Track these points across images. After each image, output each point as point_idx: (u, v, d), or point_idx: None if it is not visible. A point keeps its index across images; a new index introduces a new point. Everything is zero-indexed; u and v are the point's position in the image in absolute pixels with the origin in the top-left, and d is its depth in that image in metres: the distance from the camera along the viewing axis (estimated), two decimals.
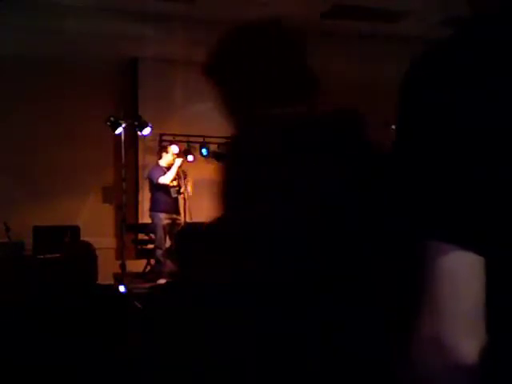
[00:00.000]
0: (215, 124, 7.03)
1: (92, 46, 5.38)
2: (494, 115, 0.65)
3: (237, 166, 1.41)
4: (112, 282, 5.00)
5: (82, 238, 4.64)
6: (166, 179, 5.37)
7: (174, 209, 5.51)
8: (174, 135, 6.04)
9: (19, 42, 5.26)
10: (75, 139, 5.81)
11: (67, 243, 4.33)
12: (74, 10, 4.75)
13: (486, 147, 0.65)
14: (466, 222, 0.64)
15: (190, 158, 6.07)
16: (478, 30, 0.72)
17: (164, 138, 6.16)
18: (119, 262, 5.18)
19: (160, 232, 5.36)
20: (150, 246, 5.71)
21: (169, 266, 5.03)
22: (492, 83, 0.66)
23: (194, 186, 5.57)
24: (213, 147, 6.11)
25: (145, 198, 5.98)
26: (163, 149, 5.74)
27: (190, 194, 5.59)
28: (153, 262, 5.60)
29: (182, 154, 5.96)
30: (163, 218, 5.38)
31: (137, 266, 5.68)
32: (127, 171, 5.66)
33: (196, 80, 6.65)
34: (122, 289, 4.53)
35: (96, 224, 5.66)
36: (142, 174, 6.12)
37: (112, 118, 5.37)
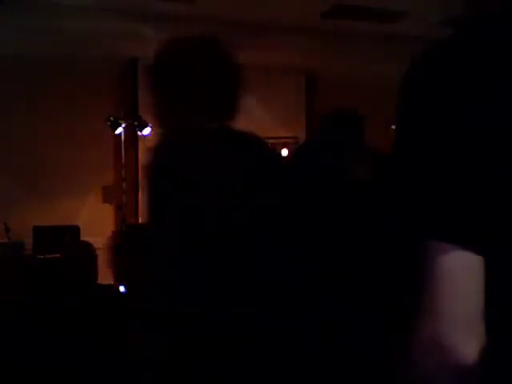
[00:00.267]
0: None
1: (92, 46, 5.38)
2: (493, 115, 0.65)
3: (156, 175, 1.48)
4: (112, 282, 4.99)
5: (82, 238, 4.64)
6: None
7: None
8: None
9: (19, 41, 5.26)
10: (75, 139, 5.80)
11: (67, 243, 4.33)
12: (74, 10, 4.75)
13: (486, 147, 0.65)
14: (466, 222, 0.65)
15: None
16: (477, 29, 0.72)
17: None
18: None
19: None
20: None
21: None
22: (492, 83, 0.66)
23: None
24: None
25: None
26: None
27: None
28: None
29: None
30: None
31: None
32: (127, 171, 5.66)
33: None
34: (122, 289, 4.53)
35: (96, 224, 5.66)
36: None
37: (112, 118, 5.37)
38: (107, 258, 1.75)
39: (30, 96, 5.71)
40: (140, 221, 6.20)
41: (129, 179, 5.78)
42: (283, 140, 6.22)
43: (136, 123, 5.48)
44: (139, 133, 5.61)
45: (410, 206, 0.68)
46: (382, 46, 5.49)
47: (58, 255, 3.74)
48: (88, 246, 2.71)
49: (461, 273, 0.64)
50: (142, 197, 5.75)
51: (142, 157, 6.42)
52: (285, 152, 6.04)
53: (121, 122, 5.36)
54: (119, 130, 5.38)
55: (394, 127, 0.74)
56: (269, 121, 6.03)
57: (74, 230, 5.11)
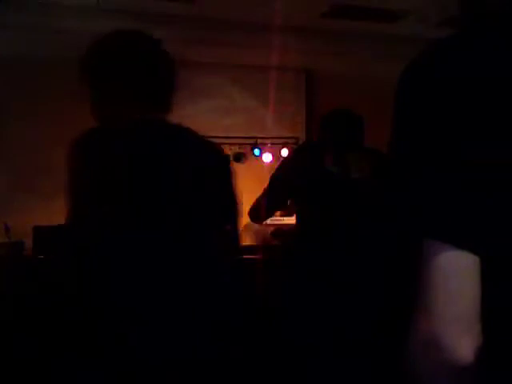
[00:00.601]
0: (215, 124, 7.03)
1: None
2: (492, 115, 0.65)
3: (84, 164, 1.55)
4: None
5: None
6: None
7: None
8: None
9: (19, 41, 5.26)
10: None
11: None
12: (74, 10, 4.75)
13: (485, 147, 0.65)
14: (462, 222, 0.65)
15: None
16: (477, 29, 0.72)
17: None
18: None
19: None
20: None
21: None
22: (491, 83, 0.66)
23: None
24: None
25: None
26: None
27: None
28: None
29: None
30: None
31: None
32: None
33: (196, 80, 6.63)
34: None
35: None
36: None
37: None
38: None
39: (30, 96, 5.71)
40: None
41: None
42: (283, 140, 6.22)
43: None
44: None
45: (407, 205, 0.68)
46: (382, 46, 5.49)
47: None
48: None
49: (457, 273, 0.64)
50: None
51: None
52: (285, 152, 6.04)
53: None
54: None
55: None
56: (269, 121, 6.03)
57: None
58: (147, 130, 1.56)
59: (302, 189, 2.83)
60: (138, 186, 1.46)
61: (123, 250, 1.41)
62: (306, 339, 2.47)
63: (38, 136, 5.78)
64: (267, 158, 6.11)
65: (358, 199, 2.61)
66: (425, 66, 0.70)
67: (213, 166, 1.56)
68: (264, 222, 3.28)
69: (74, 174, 1.54)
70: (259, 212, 2.92)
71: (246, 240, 6.03)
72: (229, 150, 6.19)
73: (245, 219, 3.69)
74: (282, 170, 2.95)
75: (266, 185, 2.94)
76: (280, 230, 5.38)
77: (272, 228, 5.43)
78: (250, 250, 4.94)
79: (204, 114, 6.06)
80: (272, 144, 6.24)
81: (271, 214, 3.07)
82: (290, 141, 6.18)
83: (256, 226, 3.66)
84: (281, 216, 5.48)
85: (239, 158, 6.18)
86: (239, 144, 6.16)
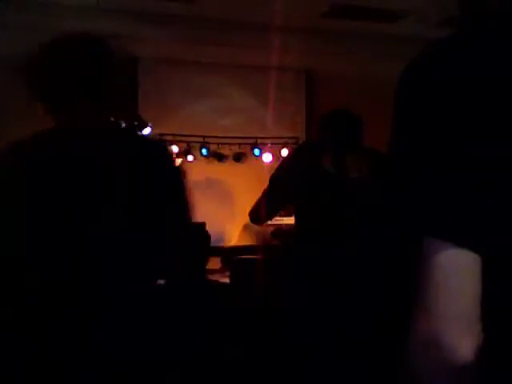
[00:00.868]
0: (215, 124, 7.01)
1: None
2: (492, 115, 0.65)
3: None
4: None
5: None
6: None
7: None
8: (174, 135, 6.03)
9: (19, 41, 5.26)
10: None
11: None
12: (74, 10, 4.75)
13: (485, 147, 0.65)
14: (462, 220, 0.65)
15: (190, 157, 6.07)
16: (477, 29, 0.72)
17: (164, 137, 6.17)
18: None
19: None
20: None
21: None
22: (491, 83, 0.66)
23: (194, 186, 5.57)
24: (213, 147, 6.11)
25: None
26: None
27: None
28: None
29: (182, 153, 5.97)
30: None
31: None
32: None
33: (196, 80, 6.62)
34: None
35: None
36: None
37: (112, 118, 5.36)
38: None
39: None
40: None
41: None
42: (283, 140, 6.22)
43: (136, 123, 5.48)
44: (139, 133, 5.61)
45: (407, 204, 0.68)
46: (382, 46, 5.50)
47: None
48: None
49: (457, 271, 0.64)
50: None
51: None
52: (285, 152, 6.05)
53: (121, 121, 5.35)
54: None
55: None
56: (269, 121, 6.03)
57: None
58: (83, 131, 1.61)
59: (302, 189, 2.83)
60: (75, 186, 1.51)
61: (59, 252, 1.47)
62: (306, 339, 2.47)
63: None
64: (267, 158, 6.11)
65: (357, 199, 2.61)
66: (425, 66, 0.70)
67: (148, 157, 1.62)
68: (264, 224, 3.27)
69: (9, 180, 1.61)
70: (259, 214, 2.91)
71: (246, 240, 6.03)
72: (229, 150, 6.21)
73: (245, 219, 3.70)
74: (282, 170, 2.95)
75: (266, 185, 2.94)
76: (280, 230, 5.38)
77: (272, 228, 5.43)
78: (249, 249, 4.95)
79: (204, 113, 6.06)
80: (272, 144, 6.24)
81: (271, 216, 3.06)
82: (289, 141, 6.19)
83: (256, 226, 3.66)
84: (281, 216, 5.49)
85: (239, 158, 6.19)
86: (239, 144, 6.17)
